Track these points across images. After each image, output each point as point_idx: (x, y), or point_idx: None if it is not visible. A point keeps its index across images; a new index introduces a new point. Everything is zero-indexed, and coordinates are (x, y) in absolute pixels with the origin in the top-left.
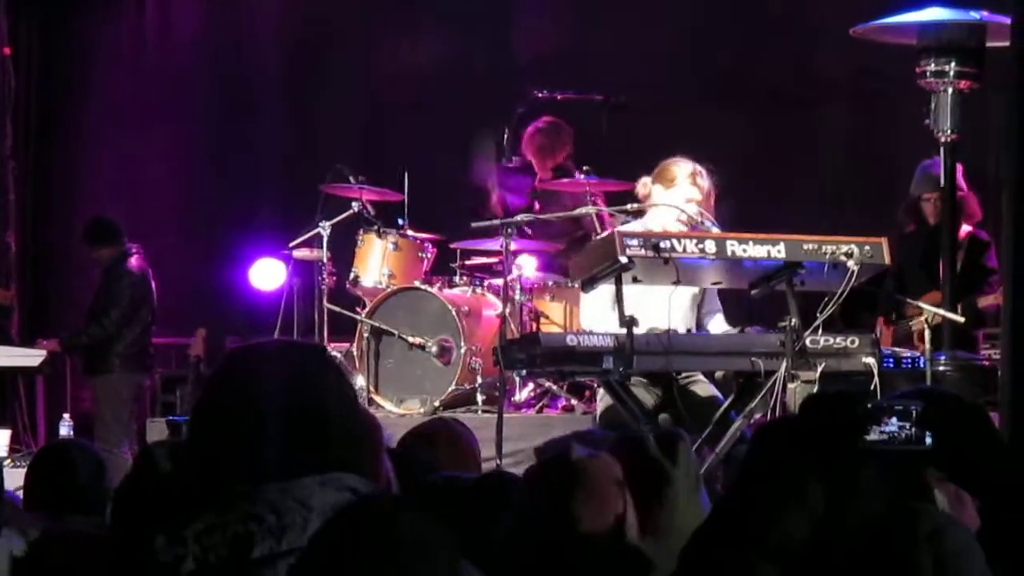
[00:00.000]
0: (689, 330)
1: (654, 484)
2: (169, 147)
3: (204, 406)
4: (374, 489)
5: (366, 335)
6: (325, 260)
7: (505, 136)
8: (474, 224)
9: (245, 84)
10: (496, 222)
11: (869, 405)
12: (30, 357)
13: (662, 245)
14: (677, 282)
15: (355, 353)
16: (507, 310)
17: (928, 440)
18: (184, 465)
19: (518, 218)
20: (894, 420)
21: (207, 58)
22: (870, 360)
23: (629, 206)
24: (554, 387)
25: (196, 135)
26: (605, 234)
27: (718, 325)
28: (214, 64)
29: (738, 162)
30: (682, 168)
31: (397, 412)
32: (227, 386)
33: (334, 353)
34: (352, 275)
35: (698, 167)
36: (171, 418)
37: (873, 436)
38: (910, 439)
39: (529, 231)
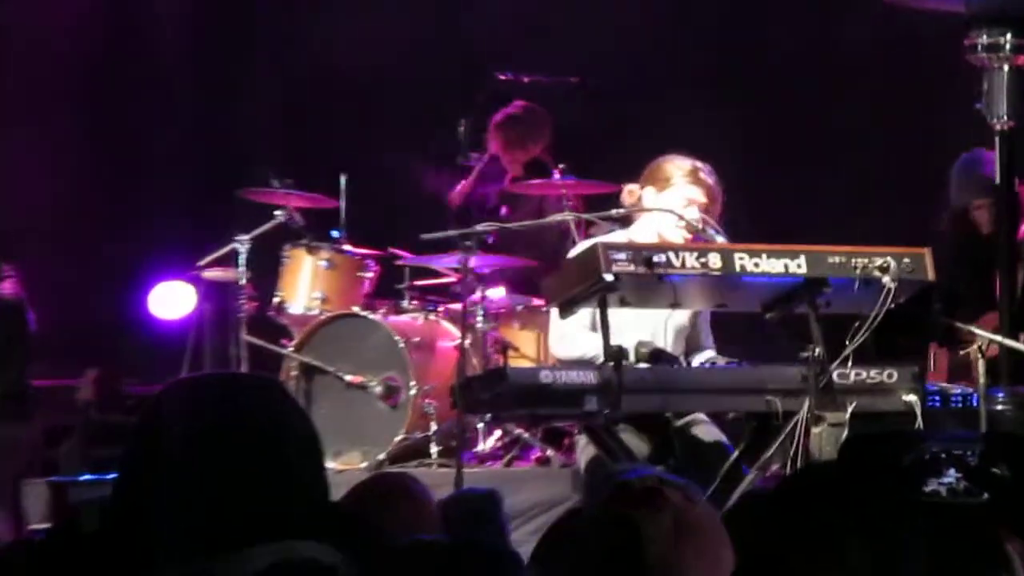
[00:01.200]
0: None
1: None
2: (44, 145)
3: (130, 459)
4: (339, 560)
5: (294, 373)
6: (243, 282)
7: (461, 129)
8: (424, 236)
9: (143, 69)
10: (452, 233)
11: (924, 450)
12: None
13: (656, 259)
14: (675, 305)
15: None
16: (467, 340)
17: (985, 494)
18: (110, 531)
19: (479, 228)
20: (951, 470)
21: (94, 36)
22: (911, 397)
23: (615, 211)
24: (525, 434)
25: (79, 131)
26: (586, 246)
27: (709, 358)
28: (104, 44)
29: (747, 159)
30: (678, 165)
31: (333, 467)
32: (157, 433)
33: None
34: (276, 299)
35: (699, 163)
36: (53, 479)
37: (927, 487)
38: (965, 491)
39: (493, 243)
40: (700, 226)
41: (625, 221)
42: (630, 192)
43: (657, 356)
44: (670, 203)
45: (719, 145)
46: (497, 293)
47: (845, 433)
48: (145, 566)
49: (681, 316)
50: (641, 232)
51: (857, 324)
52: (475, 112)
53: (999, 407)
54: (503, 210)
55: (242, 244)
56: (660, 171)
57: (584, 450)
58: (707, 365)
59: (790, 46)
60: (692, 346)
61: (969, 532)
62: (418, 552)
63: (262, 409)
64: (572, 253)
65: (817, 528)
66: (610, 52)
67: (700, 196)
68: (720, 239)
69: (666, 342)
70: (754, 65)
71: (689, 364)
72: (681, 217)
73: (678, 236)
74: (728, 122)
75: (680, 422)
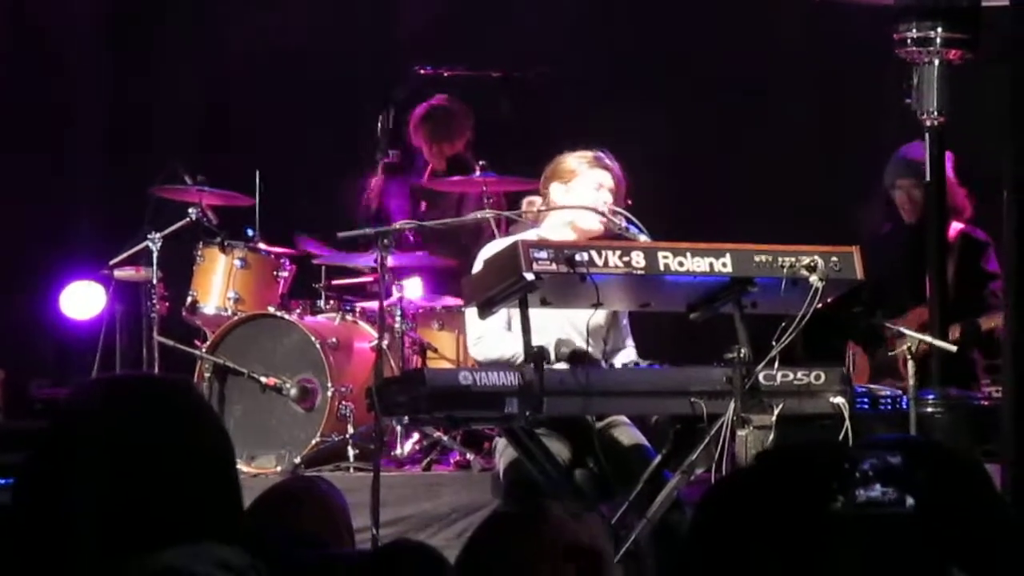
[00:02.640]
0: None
1: None
2: None
3: (37, 460)
4: (251, 563)
5: (208, 375)
6: (155, 281)
7: (380, 124)
8: (340, 235)
9: (51, 60)
10: (369, 231)
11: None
12: None
13: (578, 258)
14: (597, 304)
15: None
16: (384, 341)
17: (909, 501)
18: (10, 537)
19: (397, 225)
20: (877, 481)
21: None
22: (839, 400)
23: (536, 209)
24: (444, 438)
25: None
26: (505, 244)
27: (628, 358)
28: (10, 34)
29: (673, 156)
30: (578, 156)
31: (247, 472)
32: (68, 434)
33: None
34: (189, 299)
35: (597, 151)
36: None
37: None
38: (891, 501)
39: (412, 241)
40: (620, 223)
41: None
42: (530, 202)
43: (577, 356)
44: (579, 192)
45: (644, 142)
46: (413, 286)
47: (772, 436)
48: (50, 572)
49: (599, 315)
50: (552, 229)
51: (784, 324)
52: (394, 107)
53: (929, 409)
54: (421, 207)
55: (154, 243)
56: (563, 164)
57: (504, 453)
58: (629, 366)
59: (720, 42)
60: (612, 346)
61: (900, 543)
62: (327, 566)
63: (174, 411)
64: (486, 252)
65: (734, 548)
66: (533, 46)
67: (608, 179)
68: (644, 237)
69: (586, 342)
70: (682, 60)
71: (611, 365)
72: (602, 214)
73: (595, 224)
74: (654, 119)
75: (601, 424)
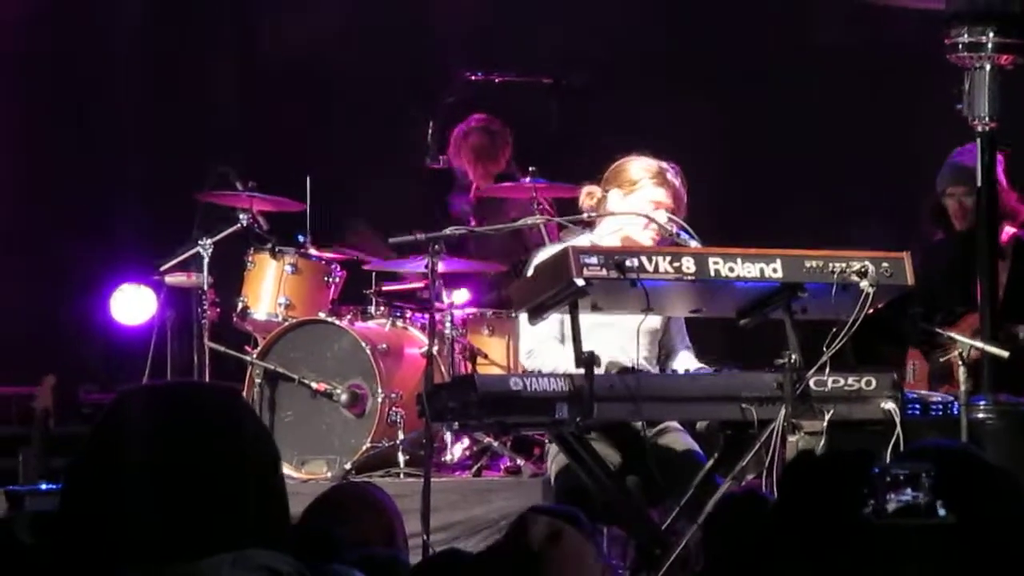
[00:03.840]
0: (662, 370)
1: None
2: None
3: (84, 467)
4: (297, 568)
5: (258, 381)
6: (206, 287)
7: (430, 131)
8: (392, 240)
9: (99, 66)
10: (420, 237)
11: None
12: None
13: (628, 264)
14: (648, 310)
15: None
16: (435, 347)
17: (941, 512)
18: (55, 541)
19: (447, 231)
20: (906, 490)
21: (42, 26)
22: (890, 406)
23: (586, 215)
24: (495, 443)
25: (33, 130)
26: (555, 250)
27: (686, 365)
28: (52, 34)
29: (722, 160)
30: (644, 167)
31: (298, 477)
32: (114, 442)
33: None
34: (240, 305)
35: (664, 164)
36: (11, 488)
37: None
38: (921, 509)
39: (465, 248)
40: (672, 229)
41: (590, 224)
42: (589, 193)
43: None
44: (637, 206)
45: (694, 146)
46: (461, 296)
47: (822, 442)
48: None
49: (654, 320)
50: (606, 235)
51: (834, 330)
52: (443, 113)
53: (980, 416)
54: (472, 222)
55: (205, 248)
56: (625, 173)
57: (555, 459)
58: (683, 371)
59: (766, 45)
60: (667, 350)
61: (927, 555)
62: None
63: (220, 419)
64: (539, 257)
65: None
66: (583, 51)
67: (667, 199)
68: (694, 243)
69: (639, 347)
70: (730, 64)
71: (672, 371)
72: (652, 220)
73: (647, 239)
74: (703, 123)
75: (652, 431)
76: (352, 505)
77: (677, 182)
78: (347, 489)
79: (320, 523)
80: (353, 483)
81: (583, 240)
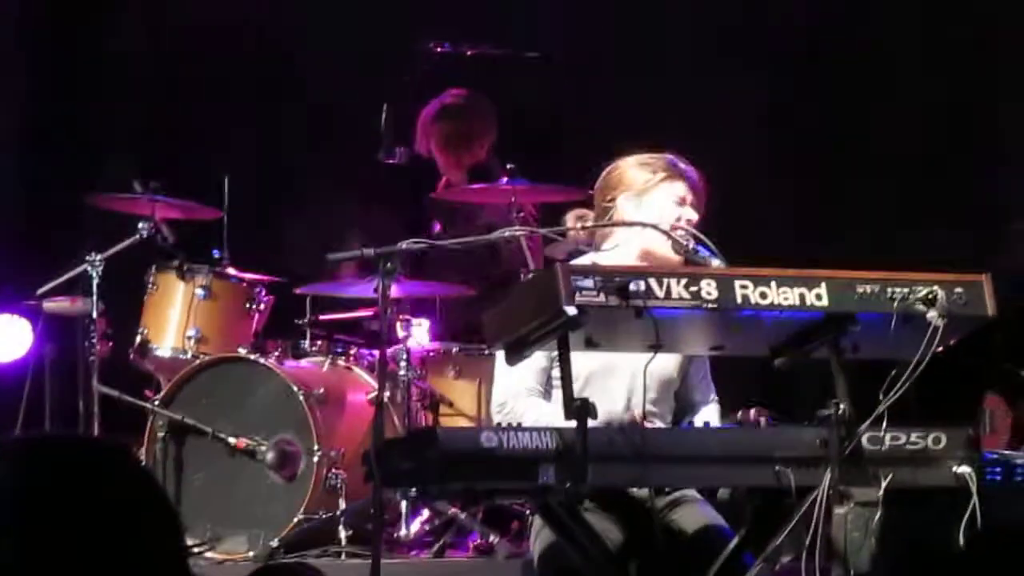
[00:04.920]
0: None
1: None
2: None
3: None
4: None
5: (161, 434)
6: (95, 315)
7: (384, 118)
8: (331, 256)
9: None
10: (368, 252)
11: None
12: None
13: (632, 288)
14: (656, 347)
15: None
16: (386, 393)
17: None
18: None
19: (402, 245)
20: None
21: None
22: (964, 469)
23: (580, 225)
24: (462, 516)
25: None
26: (539, 271)
27: (709, 418)
28: None
29: (749, 158)
30: (649, 159)
31: (211, 558)
32: None
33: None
34: (139, 338)
35: (669, 155)
36: None
37: None
38: None
39: (421, 267)
40: (688, 244)
41: (591, 239)
42: (580, 218)
43: None
44: (659, 207)
45: (714, 144)
46: (421, 332)
47: (878, 515)
48: None
49: (667, 363)
50: (613, 254)
51: (894, 373)
52: (401, 95)
53: None
54: (435, 226)
55: (94, 266)
56: (630, 171)
57: (539, 536)
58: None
59: (807, 17)
60: (686, 403)
61: None
62: None
63: (109, 483)
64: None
65: None
66: (580, 20)
67: (688, 192)
68: (716, 262)
69: (646, 397)
70: (762, 38)
71: (689, 424)
72: (665, 233)
73: (672, 252)
74: (727, 111)
75: (663, 501)
76: None
77: (694, 173)
78: (279, 571)
79: None
80: (285, 565)
81: (586, 260)
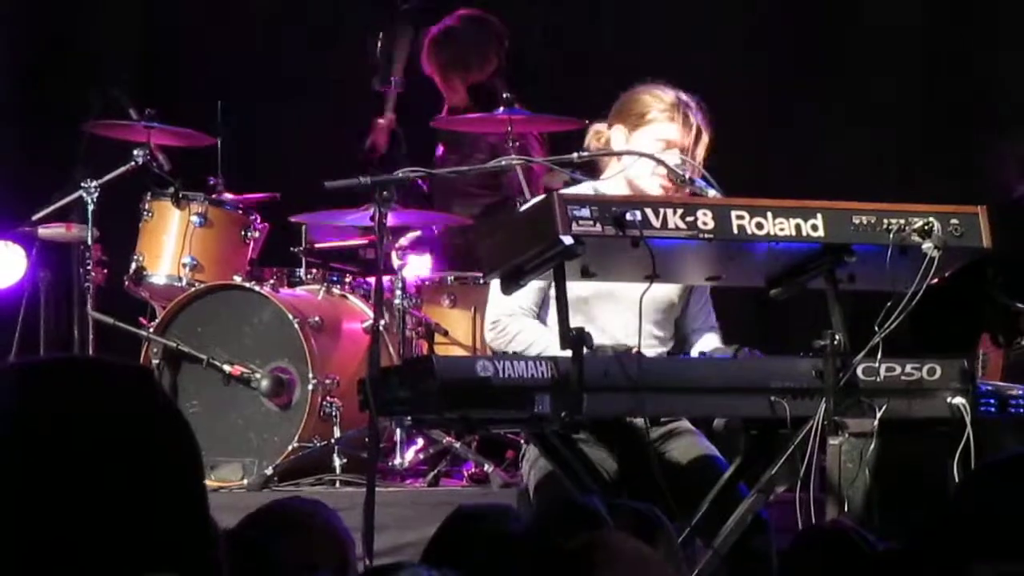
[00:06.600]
0: (669, 353)
1: None
2: None
3: None
4: None
5: (156, 361)
6: (90, 242)
7: (379, 44)
8: (328, 184)
9: None
10: (364, 180)
11: None
12: None
13: (629, 217)
14: (653, 277)
15: None
16: (382, 321)
17: None
18: None
19: (398, 174)
20: None
21: None
22: (959, 400)
23: (575, 155)
24: (457, 445)
25: None
26: (536, 200)
27: (711, 345)
28: None
29: (753, 90)
30: (658, 96)
31: (207, 486)
32: None
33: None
34: (134, 265)
35: (684, 95)
36: None
37: None
38: None
39: (422, 192)
40: (685, 174)
41: (589, 169)
42: (597, 133)
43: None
44: (642, 145)
45: (719, 72)
46: (422, 263)
47: (873, 446)
48: None
49: (667, 291)
50: (611, 183)
51: (890, 304)
52: (396, 24)
53: None
54: (437, 151)
55: (89, 193)
56: (634, 104)
57: (534, 465)
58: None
59: None
60: (686, 331)
61: None
62: None
63: (123, 406)
64: (521, 209)
65: None
66: None
67: (680, 136)
68: (713, 192)
69: (644, 326)
70: None
71: (685, 354)
72: (660, 162)
73: (655, 187)
74: (731, 40)
75: (658, 432)
76: (301, 520)
77: (698, 119)
78: (292, 507)
79: (256, 536)
80: (301, 499)
81: (584, 189)
